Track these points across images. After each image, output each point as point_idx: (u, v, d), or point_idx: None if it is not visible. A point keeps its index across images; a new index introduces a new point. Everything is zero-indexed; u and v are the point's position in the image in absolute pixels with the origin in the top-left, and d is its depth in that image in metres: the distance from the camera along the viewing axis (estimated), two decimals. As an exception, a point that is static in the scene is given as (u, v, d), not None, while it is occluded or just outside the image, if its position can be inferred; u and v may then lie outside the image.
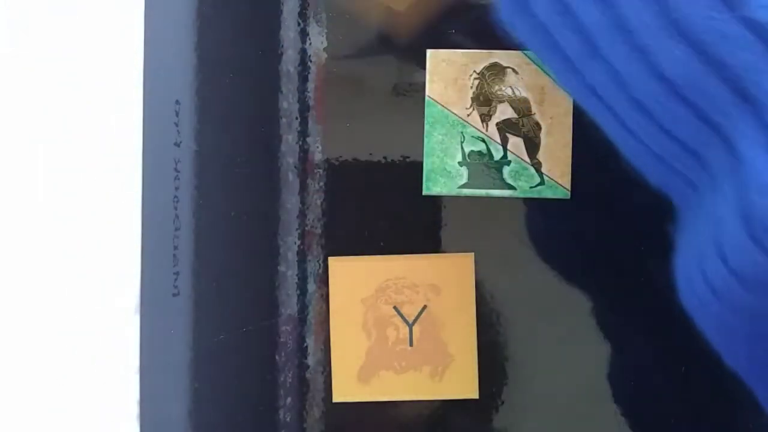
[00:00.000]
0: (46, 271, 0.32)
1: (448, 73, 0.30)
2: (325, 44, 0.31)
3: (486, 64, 0.30)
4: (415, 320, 0.30)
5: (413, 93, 0.28)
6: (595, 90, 0.19)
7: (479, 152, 0.30)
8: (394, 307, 0.30)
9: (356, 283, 0.31)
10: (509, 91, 0.30)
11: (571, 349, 0.30)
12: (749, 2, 0.17)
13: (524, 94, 0.30)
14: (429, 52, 0.30)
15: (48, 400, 0.32)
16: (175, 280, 0.31)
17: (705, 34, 0.17)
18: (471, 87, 0.30)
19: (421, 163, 0.30)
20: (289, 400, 0.31)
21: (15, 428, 0.32)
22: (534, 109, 0.30)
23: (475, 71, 0.30)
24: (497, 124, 0.30)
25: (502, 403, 0.30)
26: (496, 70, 0.30)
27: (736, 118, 0.17)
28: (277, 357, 0.31)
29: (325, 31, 0.31)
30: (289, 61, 0.31)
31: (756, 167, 0.16)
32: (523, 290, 0.30)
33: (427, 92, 0.30)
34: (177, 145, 0.31)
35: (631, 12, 0.17)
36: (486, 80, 0.30)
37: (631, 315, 0.30)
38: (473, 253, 0.30)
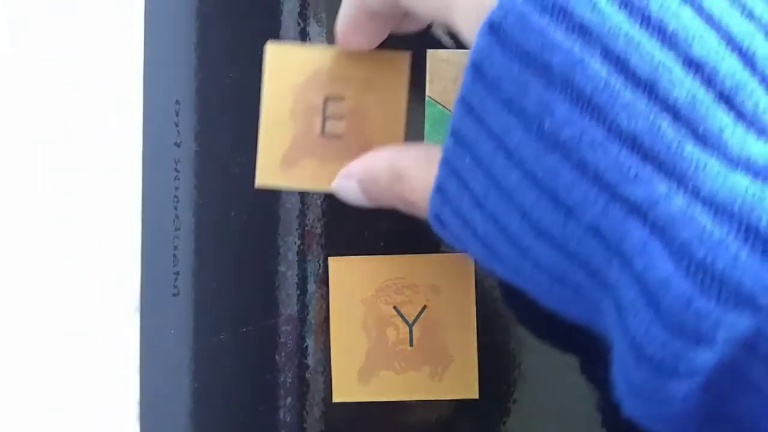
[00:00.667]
0: (45, 271, 0.32)
1: (448, 73, 0.30)
2: (325, 44, 0.31)
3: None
4: (415, 320, 0.30)
5: (413, 93, 0.28)
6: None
7: (479, 152, 0.30)
8: (394, 307, 0.30)
9: (356, 283, 0.31)
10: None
11: (572, 348, 0.30)
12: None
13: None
14: (429, 52, 0.30)
15: (48, 399, 0.32)
16: (175, 280, 0.31)
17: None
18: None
19: (421, 163, 0.30)
20: (289, 400, 0.31)
21: (15, 428, 0.32)
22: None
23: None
24: (497, 124, 0.30)
25: (502, 403, 0.30)
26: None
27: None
28: (277, 357, 0.31)
29: (325, 31, 0.31)
30: (289, 61, 0.31)
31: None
32: (523, 290, 0.30)
33: (427, 92, 0.30)
34: (177, 145, 0.31)
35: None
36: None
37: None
38: (473, 253, 0.30)
